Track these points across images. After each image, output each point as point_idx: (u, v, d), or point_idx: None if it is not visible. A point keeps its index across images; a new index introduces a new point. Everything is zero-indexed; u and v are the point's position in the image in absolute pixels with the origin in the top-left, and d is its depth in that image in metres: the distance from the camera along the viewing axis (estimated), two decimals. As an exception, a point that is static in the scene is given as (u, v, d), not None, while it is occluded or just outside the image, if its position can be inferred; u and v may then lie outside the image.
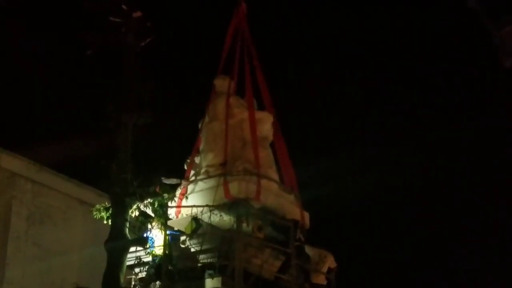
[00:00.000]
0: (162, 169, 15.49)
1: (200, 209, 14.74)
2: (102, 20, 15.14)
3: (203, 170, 15.65)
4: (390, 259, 24.58)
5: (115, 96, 15.16)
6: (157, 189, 14.96)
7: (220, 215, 14.64)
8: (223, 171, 15.10)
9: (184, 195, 15.45)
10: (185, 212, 15.16)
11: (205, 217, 14.69)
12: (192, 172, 15.89)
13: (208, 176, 15.38)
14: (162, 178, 15.42)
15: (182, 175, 16.01)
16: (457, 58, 25.71)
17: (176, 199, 15.23)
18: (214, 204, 14.66)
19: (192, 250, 14.81)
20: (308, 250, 15.47)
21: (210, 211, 14.62)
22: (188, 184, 15.62)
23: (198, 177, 15.57)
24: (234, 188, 14.88)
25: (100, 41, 15.18)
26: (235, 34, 16.47)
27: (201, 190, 15.39)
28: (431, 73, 27.31)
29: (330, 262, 15.56)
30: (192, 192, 15.53)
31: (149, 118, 15.14)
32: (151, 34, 15.62)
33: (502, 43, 11.76)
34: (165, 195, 14.62)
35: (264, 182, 15.19)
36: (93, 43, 15.12)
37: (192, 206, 14.97)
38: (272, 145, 16.28)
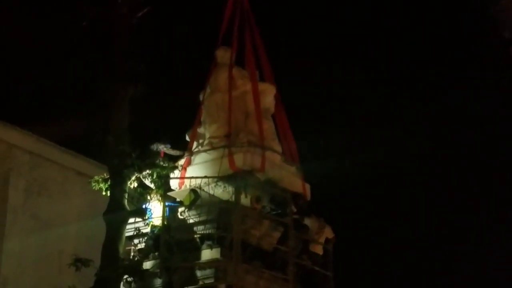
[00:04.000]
0: (163, 139, 15.53)
1: (203, 180, 14.79)
2: (96, -10, 15.02)
3: (206, 142, 15.69)
4: (388, 231, 24.75)
5: (111, 68, 15.09)
6: (161, 156, 15.07)
7: (224, 187, 14.71)
8: (228, 143, 15.15)
9: (186, 166, 15.49)
10: (188, 183, 15.21)
11: (208, 189, 14.74)
12: (195, 143, 15.93)
13: (212, 147, 15.43)
14: (163, 147, 15.47)
15: (180, 146, 16.04)
16: (456, 33, 25.64)
17: (178, 170, 15.28)
18: (220, 175, 14.73)
19: (191, 221, 14.88)
20: (307, 221, 15.58)
21: (214, 182, 14.68)
22: (191, 156, 15.66)
23: (202, 149, 15.61)
24: (239, 159, 14.96)
25: (95, 12, 15.07)
26: (234, 3, 16.39)
27: (204, 162, 15.44)
28: (431, 49, 27.22)
29: (327, 233, 15.71)
30: (194, 163, 15.58)
31: (145, 89, 15.09)
32: (147, 4, 15.52)
33: (499, 15, 11.81)
34: (165, 164, 14.61)
35: (268, 154, 15.27)
36: (88, 14, 15.01)
37: (191, 178, 15.02)
38: (272, 117, 16.33)
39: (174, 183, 15.38)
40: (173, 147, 15.75)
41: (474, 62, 24.68)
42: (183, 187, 15.32)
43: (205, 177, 14.82)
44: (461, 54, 26.06)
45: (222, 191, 14.72)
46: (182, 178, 15.31)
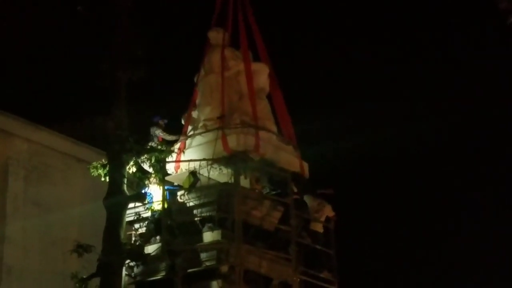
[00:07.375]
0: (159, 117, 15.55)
1: (199, 163, 14.77)
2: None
3: (200, 124, 15.68)
4: (388, 210, 24.80)
5: (109, 53, 15.03)
6: (160, 139, 15.06)
7: (220, 169, 14.69)
8: (221, 124, 15.11)
9: (182, 149, 15.48)
10: (184, 167, 15.20)
11: (204, 171, 14.73)
12: (190, 126, 15.91)
13: (206, 129, 15.41)
14: (160, 131, 15.47)
15: (178, 130, 16.02)
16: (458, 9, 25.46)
17: (174, 154, 15.26)
18: (214, 157, 14.71)
19: (191, 204, 14.87)
20: (307, 199, 15.56)
21: (209, 165, 14.67)
22: (186, 139, 15.64)
23: (196, 131, 15.59)
24: (233, 141, 14.92)
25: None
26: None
27: (199, 144, 15.43)
28: (436, 25, 27.03)
29: (327, 211, 15.69)
30: (190, 146, 15.56)
31: (143, 73, 15.04)
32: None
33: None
34: (163, 148, 14.60)
35: (262, 133, 15.24)
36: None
37: (189, 161, 15.02)
38: (269, 96, 16.26)
39: (170, 167, 15.37)
40: (170, 132, 15.75)
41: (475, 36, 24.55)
42: (179, 170, 15.32)
43: (204, 159, 14.82)
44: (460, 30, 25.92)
45: (218, 174, 14.70)
46: (180, 161, 15.30)
